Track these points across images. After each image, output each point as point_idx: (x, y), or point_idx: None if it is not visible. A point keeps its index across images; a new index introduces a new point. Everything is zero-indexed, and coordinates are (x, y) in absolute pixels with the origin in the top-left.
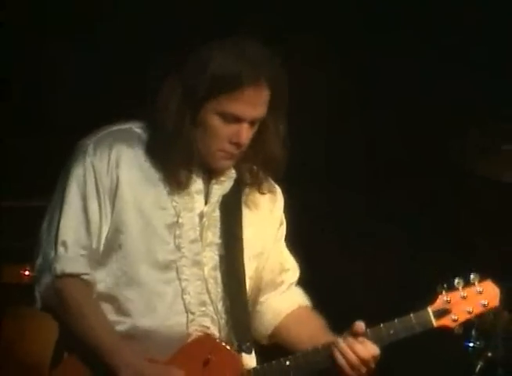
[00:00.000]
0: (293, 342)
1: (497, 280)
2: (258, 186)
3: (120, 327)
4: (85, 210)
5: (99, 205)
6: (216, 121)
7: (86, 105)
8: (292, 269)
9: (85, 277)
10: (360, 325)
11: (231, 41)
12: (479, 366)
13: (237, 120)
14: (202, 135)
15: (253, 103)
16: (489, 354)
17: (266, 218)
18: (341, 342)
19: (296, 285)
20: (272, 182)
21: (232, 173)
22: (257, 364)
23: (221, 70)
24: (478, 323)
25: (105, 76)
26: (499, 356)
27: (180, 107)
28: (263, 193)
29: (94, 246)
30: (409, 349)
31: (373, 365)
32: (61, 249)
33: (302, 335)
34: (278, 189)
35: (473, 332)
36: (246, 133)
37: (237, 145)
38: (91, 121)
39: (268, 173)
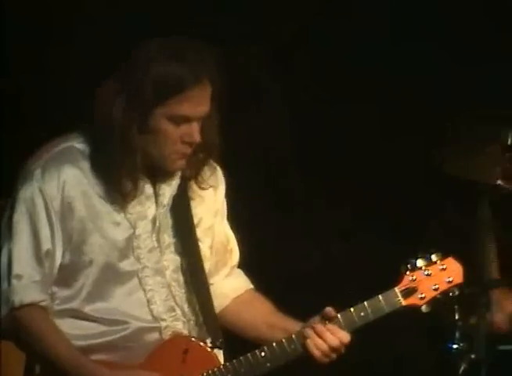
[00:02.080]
0: (244, 326)
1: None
2: (200, 175)
3: (93, 341)
4: (36, 238)
5: (51, 230)
6: (166, 125)
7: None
8: (234, 250)
9: (42, 304)
10: (329, 311)
11: (166, 42)
12: (462, 367)
13: (187, 120)
14: (153, 141)
15: (199, 102)
16: (472, 356)
17: (211, 202)
18: (311, 332)
19: (238, 267)
20: (214, 164)
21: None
22: (224, 359)
23: (163, 76)
24: (462, 326)
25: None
26: (483, 358)
27: (126, 117)
28: (204, 187)
29: (47, 271)
30: (392, 350)
31: (343, 350)
32: (14, 281)
33: (255, 318)
34: (219, 172)
35: (456, 334)
36: (196, 131)
37: (190, 144)
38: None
39: (208, 157)
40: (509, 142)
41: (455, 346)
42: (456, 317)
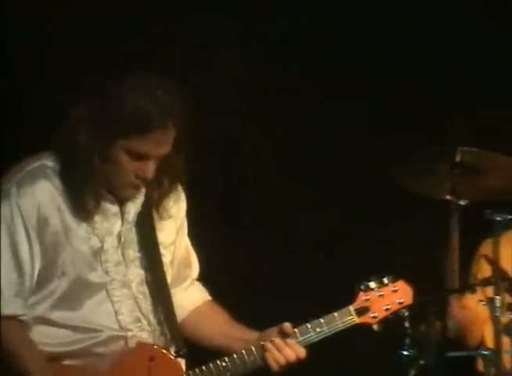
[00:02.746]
0: (203, 336)
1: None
2: (163, 204)
3: (66, 348)
4: (16, 252)
5: (29, 244)
6: (123, 158)
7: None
8: (194, 264)
9: (22, 318)
10: (287, 327)
11: (140, 80)
12: (412, 373)
13: (144, 157)
14: (110, 169)
15: (159, 143)
16: (422, 362)
17: (173, 220)
18: (271, 346)
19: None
20: (177, 185)
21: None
22: (187, 367)
23: (132, 113)
24: (412, 333)
25: None
26: (431, 364)
27: (89, 144)
28: (164, 217)
29: (27, 284)
30: (346, 357)
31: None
32: None
33: (212, 328)
34: (181, 192)
35: (407, 341)
36: (151, 169)
37: (143, 179)
38: None
39: (174, 186)
40: (457, 160)
41: (405, 353)
42: (407, 325)
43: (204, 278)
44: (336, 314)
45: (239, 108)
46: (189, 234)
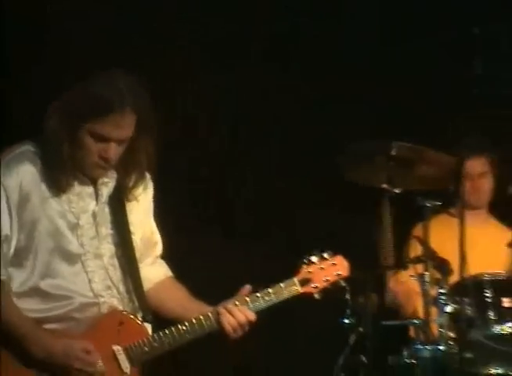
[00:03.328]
0: (166, 309)
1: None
2: (132, 193)
3: (47, 313)
4: None
5: (10, 218)
6: (88, 141)
7: None
8: (159, 243)
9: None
10: (247, 288)
11: (108, 74)
12: (352, 338)
13: (105, 140)
14: (78, 152)
15: (119, 126)
16: (360, 329)
17: (141, 203)
18: (224, 310)
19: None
20: (145, 174)
21: (113, 173)
22: (153, 331)
23: (94, 98)
24: (352, 304)
25: None
26: (368, 331)
27: (58, 129)
28: (130, 199)
29: (5, 252)
30: (294, 325)
31: (248, 327)
32: None
33: (173, 301)
34: (148, 179)
35: (347, 311)
36: (113, 150)
37: (105, 160)
38: None
39: (142, 177)
40: (392, 153)
41: (346, 321)
42: (347, 297)
43: (205, 278)
44: (282, 284)
45: (239, 107)
46: (187, 234)
